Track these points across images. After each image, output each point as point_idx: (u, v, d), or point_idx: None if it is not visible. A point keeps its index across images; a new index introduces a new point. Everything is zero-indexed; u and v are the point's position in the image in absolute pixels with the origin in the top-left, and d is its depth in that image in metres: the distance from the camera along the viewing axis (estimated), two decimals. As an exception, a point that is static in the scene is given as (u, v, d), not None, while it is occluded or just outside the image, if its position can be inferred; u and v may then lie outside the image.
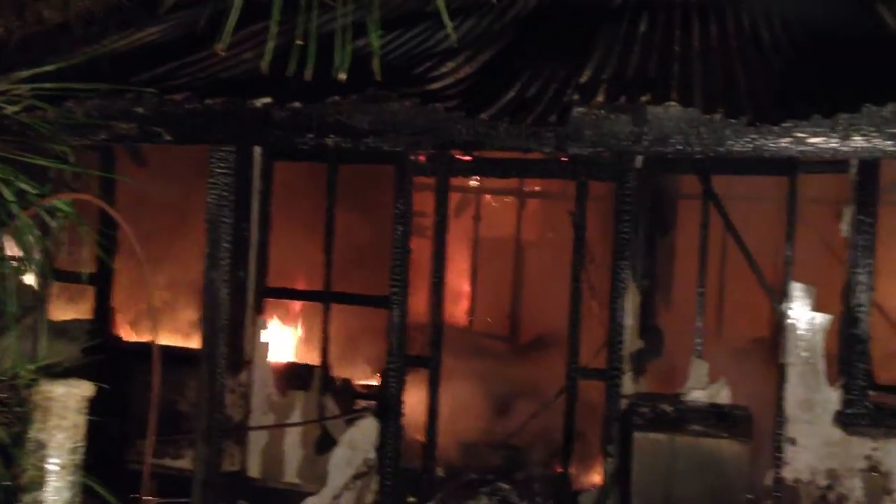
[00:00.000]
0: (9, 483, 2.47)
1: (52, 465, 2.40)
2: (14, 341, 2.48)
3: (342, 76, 2.75)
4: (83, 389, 2.47)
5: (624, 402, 7.30)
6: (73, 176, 2.92)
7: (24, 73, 2.86)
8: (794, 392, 7.04)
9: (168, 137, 5.30)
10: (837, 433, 6.94)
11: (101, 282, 8.55)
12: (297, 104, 5.05)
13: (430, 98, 4.99)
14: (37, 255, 2.56)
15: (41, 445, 2.41)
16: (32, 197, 2.61)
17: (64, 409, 2.41)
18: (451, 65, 5.52)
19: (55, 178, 2.81)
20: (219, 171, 5.42)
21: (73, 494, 2.45)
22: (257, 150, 8.12)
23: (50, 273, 2.61)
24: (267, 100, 5.02)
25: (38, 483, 2.39)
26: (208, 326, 5.26)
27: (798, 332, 7.04)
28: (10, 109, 2.82)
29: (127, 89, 5.06)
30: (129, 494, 3.19)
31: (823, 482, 6.96)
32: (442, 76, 5.36)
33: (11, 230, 2.40)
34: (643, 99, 4.68)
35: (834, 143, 4.59)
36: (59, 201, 2.60)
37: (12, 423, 2.47)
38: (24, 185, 2.55)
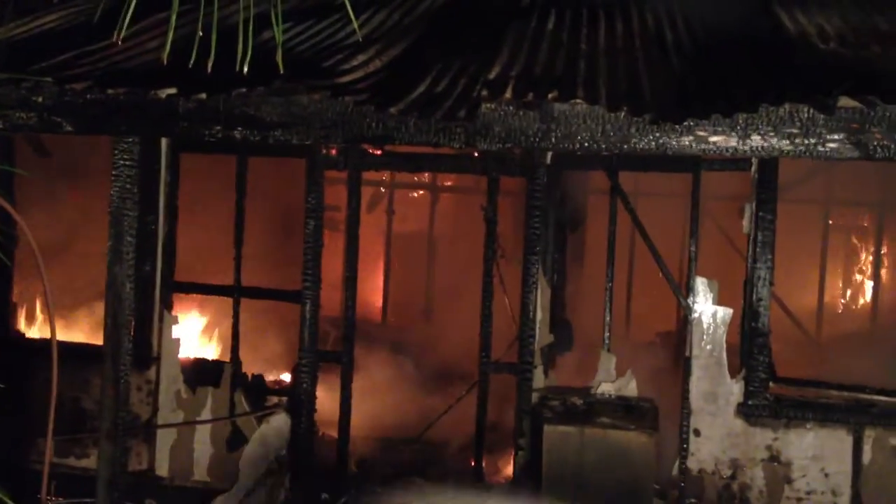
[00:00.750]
0: None
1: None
2: None
3: (245, 69, 2.70)
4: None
5: (535, 396, 7.40)
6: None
7: None
8: (698, 384, 7.24)
9: (69, 128, 5.13)
10: (740, 424, 7.16)
11: (0, 276, 8.27)
12: (202, 96, 4.94)
13: (339, 91, 4.94)
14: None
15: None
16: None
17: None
18: (361, 58, 5.47)
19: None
20: (122, 162, 5.28)
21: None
22: (164, 141, 7.95)
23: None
24: (171, 91, 4.90)
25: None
26: (111, 322, 5.12)
27: (702, 325, 7.24)
28: None
29: (25, 78, 4.89)
30: (33, 495, 3.10)
31: (727, 472, 7.18)
32: (352, 69, 5.31)
33: None
34: (550, 96, 4.72)
35: (734, 142, 4.71)
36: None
37: None
38: None
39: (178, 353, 7.96)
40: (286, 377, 9.41)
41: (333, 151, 8.00)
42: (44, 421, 4.52)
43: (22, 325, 8.90)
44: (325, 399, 8.07)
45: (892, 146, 4.59)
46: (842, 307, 14.30)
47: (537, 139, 4.86)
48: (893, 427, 6.97)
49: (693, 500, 7.16)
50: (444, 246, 12.59)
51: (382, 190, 13.07)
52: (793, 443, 7.08)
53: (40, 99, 5.09)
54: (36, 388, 7.45)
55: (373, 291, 12.73)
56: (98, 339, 8.11)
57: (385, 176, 12.76)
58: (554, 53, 5.32)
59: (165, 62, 2.78)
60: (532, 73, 5.05)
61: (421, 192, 13.15)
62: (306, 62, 5.38)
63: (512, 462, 7.62)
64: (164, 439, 7.80)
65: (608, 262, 7.78)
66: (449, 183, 12.56)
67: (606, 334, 7.63)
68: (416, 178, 12.72)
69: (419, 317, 12.32)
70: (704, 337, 7.21)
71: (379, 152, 8.10)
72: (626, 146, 4.79)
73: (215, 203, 8.68)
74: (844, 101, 4.56)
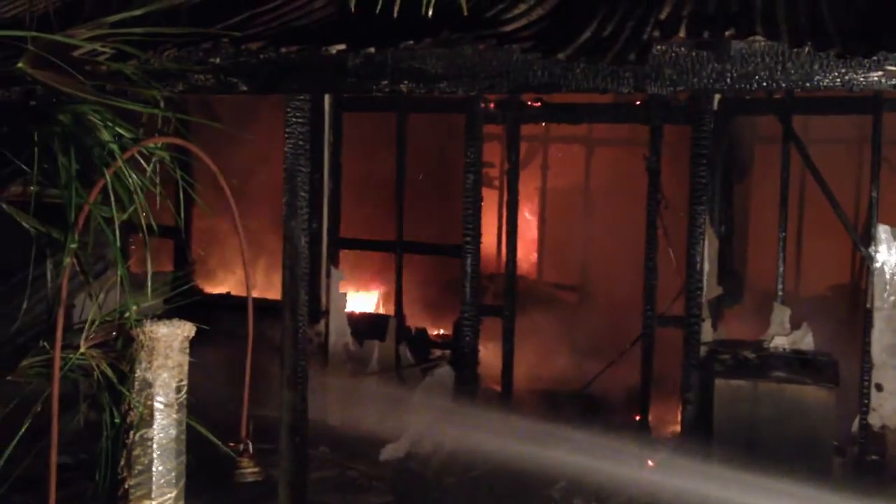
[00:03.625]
0: (118, 420, 2.52)
1: (159, 403, 2.44)
2: (123, 283, 2.51)
3: (429, 12, 2.70)
4: (185, 329, 2.50)
5: (703, 350, 7.21)
6: (163, 123, 2.92)
7: (112, 18, 2.86)
8: (880, 338, 6.88)
9: (244, 88, 5.30)
10: (926, 378, 6.78)
11: (182, 234, 8.71)
12: (371, 50, 5.00)
13: (504, 40, 4.89)
14: (135, 200, 2.59)
15: (147, 384, 2.45)
16: (128, 141, 2.63)
17: (168, 348, 2.45)
18: (523, 7, 5.40)
19: (147, 123, 2.82)
20: (295, 120, 5.43)
21: (179, 432, 2.49)
22: (327, 102, 8.14)
23: (143, 221, 2.63)
24: (341, 46, 4.98)
25: (146, 421, 2.43)
26: (289, 274, 5.30)
27: (884, 275, 6.85)
28: (102, 58, 2.84)
29: (203, 39, 5.07)
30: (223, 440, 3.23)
31: (911, 428, 6.82)
32: (514, 18, 5.25)
33: (113, 173, 2.41)
34: (727, 34, 4.53)
35: (928, 75, 4.40)
36: (155, 145, 2.61)
37: (119, 362, 2.52)
38: (120, 130, 2.57)
39: (345, 307, 8.20)
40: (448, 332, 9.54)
41: (492, 105, 7.98)
42: (223, 372, 4.77)
43: (199, 281, 9.34)
44: (487, 353, 8.14)
45: None
46: None
47: (711, 80, 4.67)
48: None
49: (875, 457, 6.84)
50: (601, 200, 12.37)
51: (537, 145, 12.96)
52: (985, 398, 6.65)
53: (217, 60, 5.27)
54: (216, 340, 7.83)
55: (528, 247, 12.69)
56: (265, 294, 8.49)
57: (539, 131, 12.64)
58: (728, -10, 5.09)
59: (353, 8, 2.79)
60: (705, 12, 4.85)
61: (576, 146, 12.95)
62: (468, 13, 5.35)
63: (679, 417, 7.48)
64: (335, 389, 8.06)
65: (781, 211, 7.46)
66: (605, 135, 12.31)
67: (780, 286, 7.33)
68: (571, 132, 12.52)
69: (576, 272, 12.19)
70: (888, 287, 6.83)
71: (538, 104, 8.01)
72: (808, 84, 4.54)
73: (377, 161, 8.83)
74: None
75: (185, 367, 2.50)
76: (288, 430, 5.27)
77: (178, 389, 2.47)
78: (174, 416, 2.47)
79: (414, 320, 8.38)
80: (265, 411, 5.76)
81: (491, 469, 7.02)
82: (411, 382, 7.93)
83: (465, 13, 3.21)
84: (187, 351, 2.52)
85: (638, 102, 7.82)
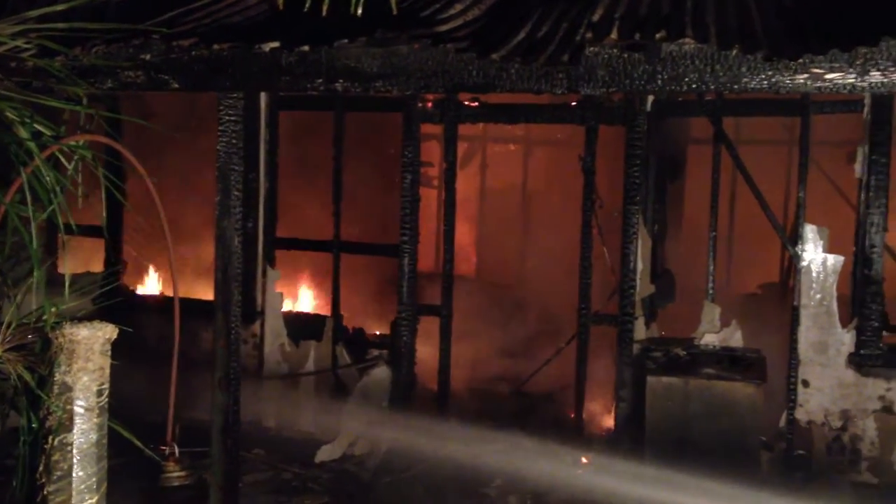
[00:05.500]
0: (36, 425, 2.46)
1: (79, 407, 2.39)
2: (39, 285, 2.45)
3: (359, 11, 2.68)
4: (107, 332, 2.45)
5: (636, 347, 7.31)
6: (87, 120, 2.86)
7: (34, 13, 2.79)
8: (807, 334, 7.05)
9: (176, 85, 5.21)
10: (851, 374, 6.96)
11: (111, 233, 8.55)
12: (305, 48, 4.96)
13: (439, 40, 4.89)
14: (54, 199, 2.52)
15: (67, 388, 2.39)
16: (48, 139, 2.56)
17: (89, 351, 2.39)
18: (458, 6, 5.41)
19: (69, 121, 2.75)
20: (228, 118, 5.35)
21: (100, 436, 2.44)
22: (263, 100, 8.05)
23: (62, 221, 2.56)
24: (275, 44, 4.93)
25: (66, 425, 2.38)
26: (221, 275, 5.23)
27: (811, 274, 7.02)
28: (27, 54, 2.77)
29: (133, 35, 4.98)
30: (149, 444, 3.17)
31: (837, 423, 6.99)
32: (450, 18, 5.26)
33: (30, 171, 2.35)
34: (658, 36, 4.59)
35: (851, 78, 4.50)
36: (76, 143, 2.55)
37: (37, 366, 2.45)
38: (40, 127, 2.50)
39: (281, 307, 8.13)
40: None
41: (429, 105, 7.98)
42: (152, 374, 4.68)
43: (129, 281, 9.18)
44: (424, 352, 8.14)
45: None
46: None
47: (643, 82, 4.73)
48: None
49: (801, 452, 7.01)
50: (538, 199, 12.47)
51: (475, 145, 13.00)
52: (907, 393, 6.85)
53: (148, 56, 5.17)
54: (147, 343, 7.71)
55: (466, 247, 12.73)
56: (198, 295, 8.38)
57: (478, 131, 12.69)
58: (660, -7, 5.16)
59: (281, 6, 2.76)
60: (637, 14, 4.91)
61: (514, 146, 13.03)
62: (403, 12, 5.34)
63: (613, 413, 7.57)
64: (270, 391, 7.98)
65: (711, 211, 7.60)
66: (542, 136, 12.40)
67: (710, 284, 7.47)
68: (509, 132, 12.60)
69: (513, 271, 12.27)
70: (814, 286, 7.00)
71: (475, 104, 8.03)
72: (736, 86, 4.62)
73: (313, 161, 8.77)
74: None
75: (107, 370, 2.45)
76: (220, 432, 5.20)
77: (100, 393, 2.41)
78: (95, 420, 2.41)
79: (351, 320, 8.33)
80: (199, 414, 5.69)
81: (427, 468, 7.02)
82: (348, 383, 7.89)
83: (395, 12, 3.18)
84: (109, 353, 2.47)
85: (574, 103, 7.88)
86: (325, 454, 7.32)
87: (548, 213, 11.94)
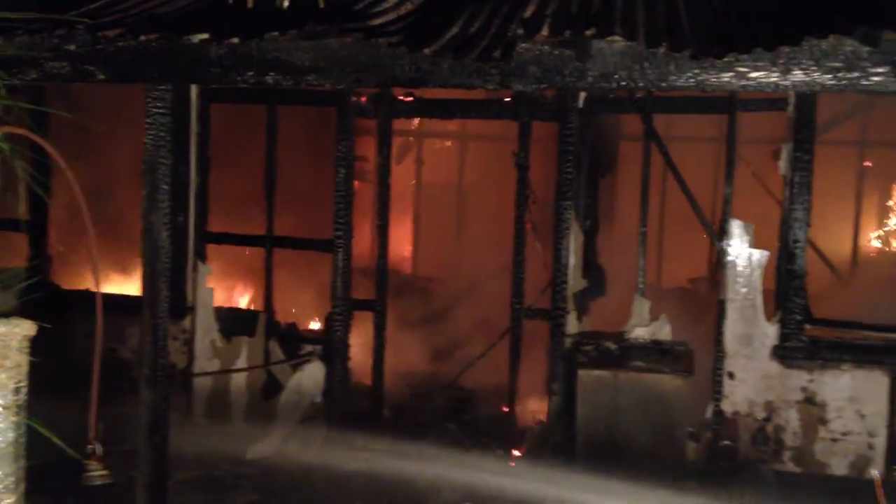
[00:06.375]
0: (-50, 424, 2.39)
1: (-5, 405, 2.33)
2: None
3: (285, 4, 2.66)
4: (25, 329, 2.39)
5: (568, 341, 7.40)
6: (5, 111, 2.79)
7: (-51, 1, 2.71)
8: (733, 327, 7.20)
9: (102, 76, 5.09)
10: (775, 366, 7.14)
11: (36, 228, 8.35)
12: (234, 40, 4.88)
13: (372, 34, 4.87)
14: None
15: (-18, 386, 2.33)
16: (-37, 130, 2.49)
17: (5, 348, 2.34)
18: (391, 0, 5.40)
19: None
20: (155, 110, 5.25)
21: (18, 435, 2.38)
22: (194, 92, 7.93)
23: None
24: (204, 36, 4.85)
25: (-19, 424, 2.32)
26: (149, 270, 5.13)
27: (737, 268, 7.18)
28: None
29: (58, 25, 4.85)
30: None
31: (762, 414, 7.17)
32: (383, 12, 5.24)
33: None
34: (588, 33, 4.63)
35: (775, 77, 4.60)
36: (-8, 134, 2.48)
37: (-49, 363, 2.39)
38: (-47, 118, 2.43)
39: (212, 302, 8.02)
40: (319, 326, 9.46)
41: (364, 99, 7.95)
42: (80, 372, 4.58)
43: (56, 277, 8.97)
44: (359, 347, 8.12)
45: (940, 79, 4.47)
46: (876, 251, 14.10)
47: (573, 79, 4.77)
48: (932, 368, 6.91)
49: (727, 442, 7.16)
50: (474, 195, 12.53)
51: (411, 140, 13.00)
52: (828, 384, 7.05)
53: (73, 47, 5.04)
54: (73, 339, 7.55)
55: (402, 242, 12.73)
56: (130, 292, 8.23)
57: (414, 126, 12.69)
58: (590, -10, 5.21)
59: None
60: (568, 11, 4.96)
61: (449, 141, 13.06)
62: (336, 6, 5.30)
63: (546, 407, 7.64)
64: (201, 388, 7.88)
65: (641, 207, 7.71)
66: (478, 132, 12.46)
67: (640, 279, 7.59)
68: (444, 128, 12.62)
69: (449, 266, 12.31)
70: (739, 279, 7.16)
71: (410, 99, 8.03)
72: (664, 84, 4.69)
73: (246, 154, 8.67)
74: (890, 34, 4.45)
75: (25, 368, 2.39)
76: (147, 430, 5.12)
77: (17, 391, 2.36)
78: (12, 418, 2.36)
79: (284, 315, 8.27)
80: (124, 411, 5.59)
81: (360, 465, 7.01)
82: (281, 378, 7.83)
83: (322, 5, 3.16)
84: (27, 350, 2.41)
85: (508, 99, 7.94)
86: (257, 451, 7.25)
87: (483, 208, 12.01)
